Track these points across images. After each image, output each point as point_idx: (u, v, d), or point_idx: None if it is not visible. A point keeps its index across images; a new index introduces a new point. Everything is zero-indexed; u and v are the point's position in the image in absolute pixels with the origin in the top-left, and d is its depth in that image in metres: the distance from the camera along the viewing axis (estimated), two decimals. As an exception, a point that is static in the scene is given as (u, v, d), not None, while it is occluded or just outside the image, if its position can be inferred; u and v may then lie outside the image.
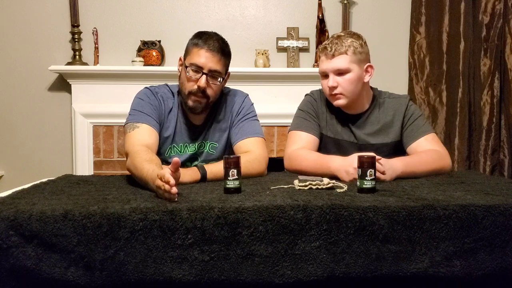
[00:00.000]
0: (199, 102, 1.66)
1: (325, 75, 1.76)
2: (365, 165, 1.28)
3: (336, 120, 1.82)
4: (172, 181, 1.14)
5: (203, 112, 1.73)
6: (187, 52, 1.69)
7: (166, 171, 1.18)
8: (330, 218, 1.09)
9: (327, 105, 1.84)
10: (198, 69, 1.63)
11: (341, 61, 1.71)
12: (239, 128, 1.76)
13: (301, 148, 1.76)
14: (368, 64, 1.77)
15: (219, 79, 1.67)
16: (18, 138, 3.16)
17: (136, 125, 1.62)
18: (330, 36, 1.80)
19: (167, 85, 1.80)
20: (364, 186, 1.28)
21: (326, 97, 1.81)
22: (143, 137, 1.59)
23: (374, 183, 1.28)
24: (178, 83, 1.78)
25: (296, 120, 1.86)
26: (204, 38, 1.66)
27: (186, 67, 1.65)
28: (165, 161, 1.71)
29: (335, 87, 1.73)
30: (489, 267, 1.11)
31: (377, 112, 1.82)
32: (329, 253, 1.08)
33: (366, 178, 1.27)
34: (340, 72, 1.72)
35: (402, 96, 1.87)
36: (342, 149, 1.77)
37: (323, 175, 1.45)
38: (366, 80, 1.77)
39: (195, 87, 1.64)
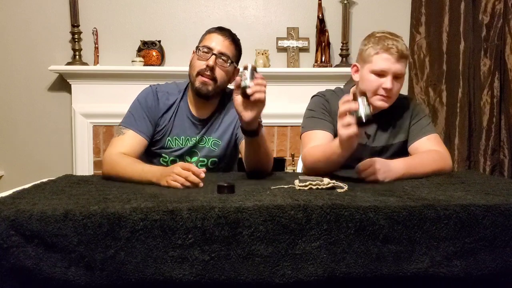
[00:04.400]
0: (206, 83, 1.69)
1: (381, 74, 1.66)
2: (355, 97, 1.35)
3: None
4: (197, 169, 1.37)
5: (210, 98, 1.73)
6: (200, 42, 1.77)
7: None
8: (331, 218, 1.09)
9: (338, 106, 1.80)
10: (209, 50, 1.70)
11: (403, 66, 1.66)
12: None
13: (313, 146, 1.65)
14: None
15: (228, 62, 1.72)
16: (18, 138, 3.16)
17: (123, 131, 1.68)
18: (373, 35, 1.69)
19: (175, 82, 1.84)
20: (360, 115, 1.32)
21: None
22: (124, 147, 1.64)
23: (369, 108, 1.33)
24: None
25: (307, 121, 1.77)
26: (217, 27, 1.78)
27: (198, 49, 1.72)
28: (161, 154, 1.76)
29: (391, 89, 1.65)
30: (490, 267, 1.11)
31: (389, 113, 1.79)
32: (329, 253, 1.08)
33: (361, 107, 1.32)
34: (398, 76, 1.67)
35: (409, 97, 1.88)
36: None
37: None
38: None
39: (204, 65, 1.69)
